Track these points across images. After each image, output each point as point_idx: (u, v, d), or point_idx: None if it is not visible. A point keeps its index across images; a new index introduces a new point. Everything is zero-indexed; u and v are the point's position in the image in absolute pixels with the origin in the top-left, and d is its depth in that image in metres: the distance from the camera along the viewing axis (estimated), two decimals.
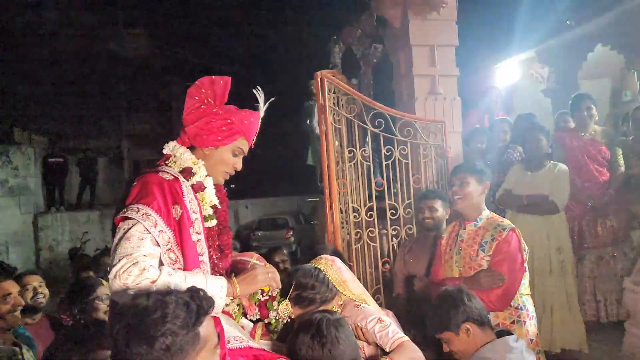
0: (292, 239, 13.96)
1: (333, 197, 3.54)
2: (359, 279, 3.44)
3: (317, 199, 5.92)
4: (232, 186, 1.88)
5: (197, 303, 1.19)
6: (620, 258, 3.67)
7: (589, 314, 3.69)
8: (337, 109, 3.63)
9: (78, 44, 16.36)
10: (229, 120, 1.71)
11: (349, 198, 3.68)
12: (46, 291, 2.59)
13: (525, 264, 2.50)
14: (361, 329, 1.93)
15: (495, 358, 1.87)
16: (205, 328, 1.20)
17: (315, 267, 2.04)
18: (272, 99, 1.87)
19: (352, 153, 3.67)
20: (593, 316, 3.70)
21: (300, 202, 16.07)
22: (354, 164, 3.70)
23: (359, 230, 3.65)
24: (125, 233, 1.51)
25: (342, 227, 3.66)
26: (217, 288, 1.55)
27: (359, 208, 3.68)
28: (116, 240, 1.53)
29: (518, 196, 3.54)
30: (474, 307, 1.98)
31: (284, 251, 4.51)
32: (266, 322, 1.91)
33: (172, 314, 1.14)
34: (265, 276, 1.70)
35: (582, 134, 3.80)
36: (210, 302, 1.24)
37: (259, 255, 2.46)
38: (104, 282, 2.86)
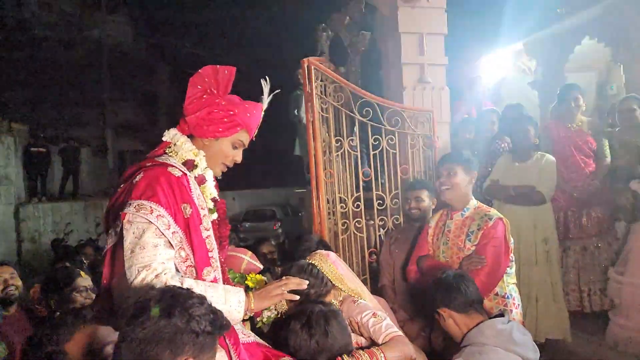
0: (280, 230, 13.92)
1: (320, 187, 3.50)
2: None
3: (305, 190, 5.87)
4: (218, 177, 1.86)
5: (222, 315, 1.24)
6: (605, 248, 3.70)
7: (573, 304, 3.72)
8: (324, 97, 3.56)
9: (59, 30, 15.99)
10: (231, 112, 1.68)
11: (335, 188, 3.63)
12: (19, 283, 2.50)
13: (512, 255, 2.51)
14: (357, 324, 1.95)
15: (483, 342, 1.90)
16: (217, 347, 1.24)
17: (310, 263, 2.04)
18: (276, 91, 1.84)
19: (340, 142, 3.62)
20: (577, 306, 3.73)
21: (288, 193, 16.00)
22: (341, 153, 3.65)
23: (346, 220, 3.62)
24: (139, 240, 1.47)
25: (329, 218, 3.62)
26: (235, 302, 1.56)
27: (346, 198, 3.64)
28: (129, 244, 1.48)
29: (505, 187, 3.53)
30: (454, 294, 2.02)
31: (272, 242, 4.48)
32: (257, 319, 1.89)
33: (207, 307, 1.20)
34: (279, 290, 1.67)
35: (569, 125, 3.80)
36: (228, 326, 1.27)
37: (252, 253, 2.42)
38: (82, 273, 2.79)
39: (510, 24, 6.90)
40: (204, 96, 1.67)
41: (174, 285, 1.30)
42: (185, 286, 1.43)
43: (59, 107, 15.67)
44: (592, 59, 6.56)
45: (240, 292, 1.61)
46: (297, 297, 1.70)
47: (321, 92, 3.55)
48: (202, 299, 1.21)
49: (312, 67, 3.46)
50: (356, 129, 3.75)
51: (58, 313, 2.45)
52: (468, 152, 2.80)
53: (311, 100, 3.46)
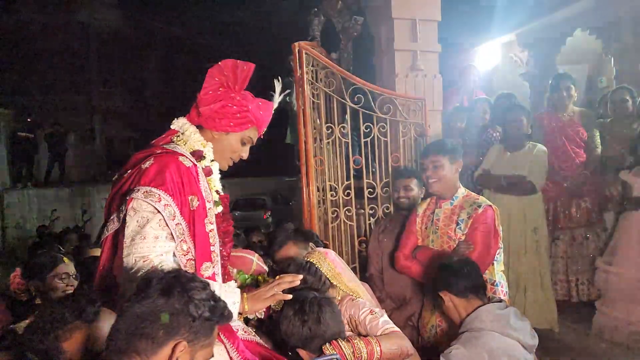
0: (270, 219, 13.86)
1: (310, 174, 3.45)
2: None
3: (295, 179, 5.82)
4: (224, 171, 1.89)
5: (223, 304, 1.23)
6: (593, 239, 3.72)
7: (561, 294, 3.75)
8: (315, 82, 3.50)
9: (46, 14, 15.62)
10: (244, 108, 1.68)
11: (326, 176, 3.59)
12: None
13: (500, 242, 2.50)
14: (355, 321, 1.96)
15: (480, 327, 1.94)
16: (215, 335, 1.23)
17: (308, 261, 2.03)
18: (288, 91, 1.85)
19: (331, 130, 3.56)
20: (564, 296, 3.75)
21: (279, 182, 15.94)
22: (332, 141, 3.60)
23: (336, 209, 3.58)
24: (141, 229, 1.47)
25: (319, 206, 3.58)
26: (230, 302, 1.51)
27: (336, 186, 3.59)
28: (130, 232, 1.48)
29: (496, 176, 3.52)
30: (455, 279, 2.06)
31: (262, 231, 4.45)
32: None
33: (209, 293, 1.19)
34: (272, 292, 1.64)
35: (561, 115, 3.78)
36: (229, 317, 1.26)
37: (258, 255, 2.40)
38: (65, 259, 2.72)
39: (503, 14, 6.87)
40: (220, 89, 1.67)
41: (179, 268, 1.30)
42: None
43: (45, 91, 15.36)
44: (583, 51, 6.57)
45: (236, 292, 1.59)
46: (290, 297, 1.67)
47: (312, 77, 3.48)
48: (205, 284, 1.20)
49: (303, 52, 3.39)
50: (347, 116, 3.70)
51: (42, 302, 2.40)
52: (451, 141, 2.76)
53: (302, 86, 3.39)
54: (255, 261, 2.30)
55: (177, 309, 1.11)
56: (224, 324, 1.26)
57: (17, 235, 11.19)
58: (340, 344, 1.70)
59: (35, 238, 9.22)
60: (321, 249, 2.19)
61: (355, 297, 2.07)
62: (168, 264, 1.48)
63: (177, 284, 1.14)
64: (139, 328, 1.10)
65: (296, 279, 1.66)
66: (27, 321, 2.25)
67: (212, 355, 1.23)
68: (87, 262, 2.96)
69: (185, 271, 1.24)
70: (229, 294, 1.55)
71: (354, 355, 1.70)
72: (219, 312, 1.18)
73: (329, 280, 2.02)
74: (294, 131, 5.46)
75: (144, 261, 1.44)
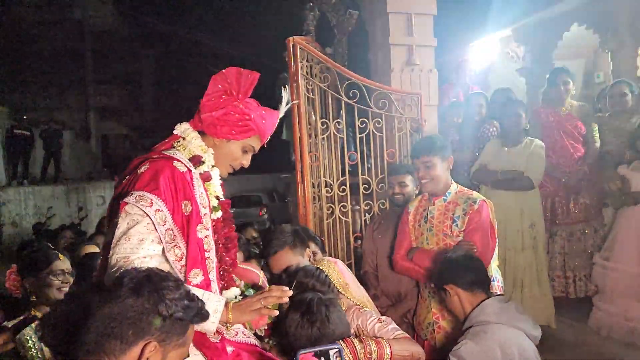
0: (266, 216, 13.84)
1: (305, 170, 3.43)
2: (330, 254, 3.39)
3: (291, 175, 5.80)
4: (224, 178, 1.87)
5: (200, 305, 1.21)
6: (591, 235, 3.70)
7: (558, 290, 3.73)
8: (310, 78, 3.47)
9: (41, 11, 15.52)
10: (247, 117, 1.68)
11: (321, 172, 3.57)
12: None
13: (496, 236, 2.48)
14: (363, 331, 1.97)
15: (486, 320, 1.95)
16: (190, 334, 1.22)
17: (317, 268, 2.02)
18: (295, 102, 1.80)
19: (325, 125, 3.54)
20: (562, 292, 3.74)
21: (275, 179, 15.89)
22: (327, 136, 3.58)
23: (331, 205, 3.56)
24: (128, 230, 1.47)
25: (314, 202, 3.56)
26: (211, 310, 1.46)
27: (331, 182, 3.58)
28: (119, 233, 1.48)
29: (493, 171, 3.49)
30: (462, 272, 2.08)
31: (255, 227, 4.43)
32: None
33: (182, 292, 1.17)
34: (259, 305, 1.58)
35: (558, 109, 3.76)
36: (205, 316, 1.24)
37: (263, 273, 2.37)
38: (61, 256, 2.69)
39: (499, 9, 6.83)
40: (223, 96, 1.67)
41: (155, 267, 1.28)
42: None
43: (40, 89, 15.29)
44: (580, 46, 6.55)
45: (220, 301, 1.55)
46: (277, 313, 1.62)
47: (307, 72, 3.45)
48: (178, 283, 1.18)
49: (298, 47, 3.36)
50: (342, 111, 3.67)
51: (37, 299, 2.38)
52: (439, 137, 2.71)
53: (296, 81, 3.37)
54: (262, 277, 2.28)
55: (146, 308, 1.09)
56: (199, 323, 1.24)
57: (14, 233, 11.17)
58: (354, 341, 1.72)
59: (32, 235, 9.19)
60: (330, 258, 2.21)
61: (362, 307, 2.08)
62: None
63: (148, 283, 1.12)
64: (108, 328, 1.08)
65: (285, 295, 1.59)
66: (19, 318, 2.25)
67: (188, 355, 1.20)
68: (83, 260, 2.94)
69: (159, 270, 1.23)
70: (212, 302, 1.51)
71: (364, 355, 1.72)
72: (193, 311, 1.16)
73: (337, 289, 2.03)
74: (289, 127, 5.44)
75: (124, 261, 1.43)
